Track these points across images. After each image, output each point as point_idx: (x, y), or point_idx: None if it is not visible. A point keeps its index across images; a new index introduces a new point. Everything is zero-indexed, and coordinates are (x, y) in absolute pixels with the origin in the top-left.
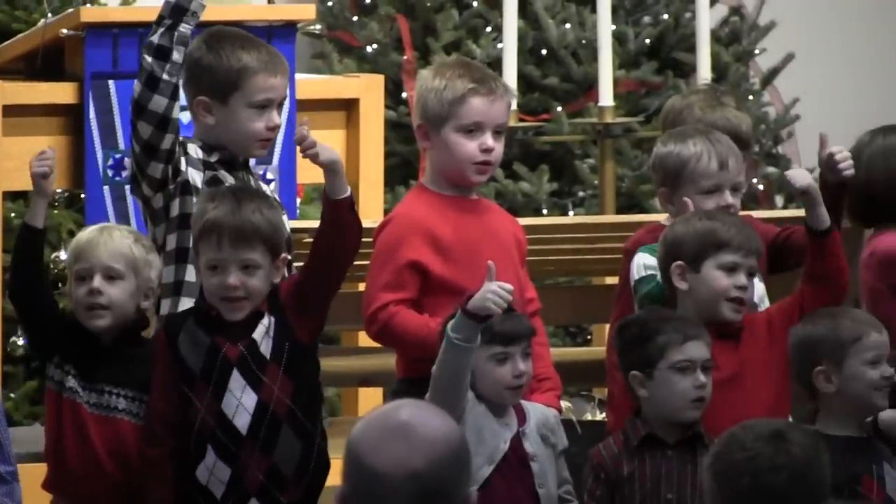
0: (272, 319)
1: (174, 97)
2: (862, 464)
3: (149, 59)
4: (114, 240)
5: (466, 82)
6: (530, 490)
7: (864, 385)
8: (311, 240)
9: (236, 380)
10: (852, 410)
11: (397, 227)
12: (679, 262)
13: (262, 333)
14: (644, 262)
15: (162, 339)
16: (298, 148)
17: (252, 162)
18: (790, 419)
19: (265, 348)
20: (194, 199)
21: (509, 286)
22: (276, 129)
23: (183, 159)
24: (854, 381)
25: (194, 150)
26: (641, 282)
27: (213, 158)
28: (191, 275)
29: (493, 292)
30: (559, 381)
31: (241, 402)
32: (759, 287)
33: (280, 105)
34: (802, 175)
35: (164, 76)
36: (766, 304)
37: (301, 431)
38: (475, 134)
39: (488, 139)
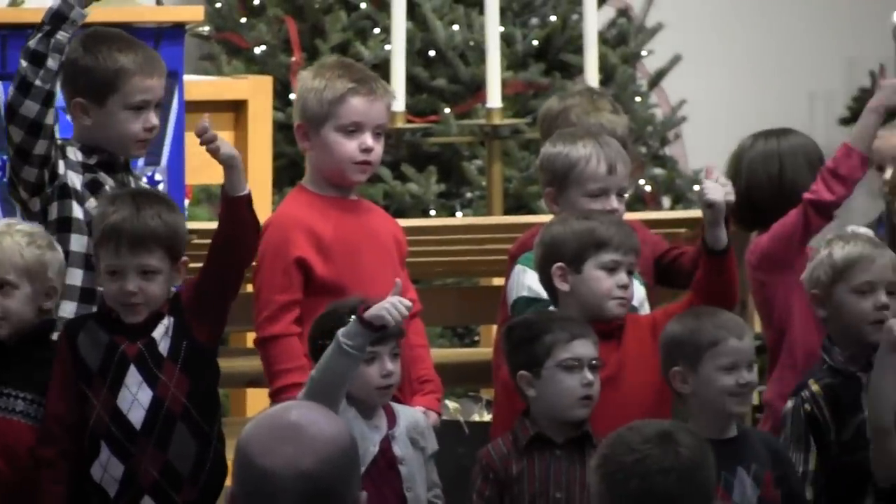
0: (172, 320)
1: (47, 103)
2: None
3: (24, 63)
4: (3, 249)
5: (346, 82)
6: (398, 494)
7: (716, 390)
8: (199, 241)
9: (133, 375)
10: (707, 413)
11: (280, 226)
12: (560, 264)
13: (162, 333)
14: (528, 284)
15: (62, 340)
16: (199, 140)
17: (141, 163)
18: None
19: (163, 347)
20: (74, 203)
21: (408, 302)
22: (153, 129)
23: (61, 162)
24: (707, 386)
25: (73, 153)
26: (518, 303)
27: (93, 161)
28: (73, 278)
29: (393, 304)
30: (440, 384)
31: (136, 397)
32: (639, 290)
33: (158, 106)
34: (716, 190)
35: (37, 82)
36: (647, 308)
37: (196, 431)
38: (355, 134)
39: (368, 139)
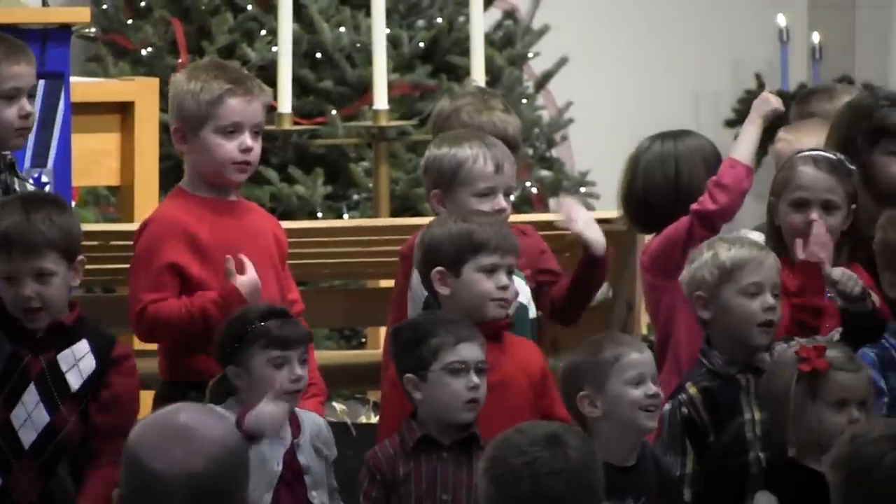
0: (89, 354)
1: None
2: (611, 500)
3: None
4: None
5: (223, 83)
6: (303, 502)
7: (627, 405)
8: (86, 242)
9: (31, 394)
10: (620, 433)
11: (155, 229)
12: (439, 268)
13: (71, 362)
14: None
15: None
16: None
17: (27, 164)
18: None
19: (72, 379)
20: None
21: (285, 407)
22: (29, 117)
23: None
24: (617, 402)
25: None
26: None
27: None
28: None
29: (272, 415)
30: (324, 387)
31: (31, 416)
32: (524, 289)
33: (31, 95)
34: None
35: None
36: (533, 307)
37: (83, 471)
38: (234, 134)
39: (247, 139)
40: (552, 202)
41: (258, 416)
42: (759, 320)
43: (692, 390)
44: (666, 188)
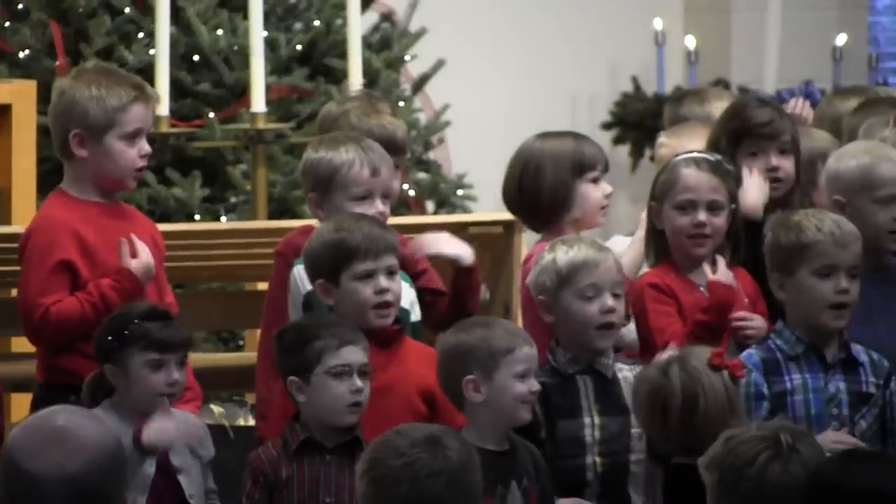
0: None
1: None
2: (490, 482)
3: None
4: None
5: (128, 90)
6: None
7: (510, 397)
8: None
9: None
10: (497, 422)
11: (45, 229)
12: (320, 281)
13: None
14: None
15: None
16: None
17: None
18: None
19: None
20: None
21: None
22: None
23: None
24: (502, 393)
25: None
26: (312, 296)
27: None
28: None
29: (164, 430)
30: (199, 391)
31: None
32: (408, 292)
33: None
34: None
35: None
36: (417, 309)
37: None
38: (135, 140)
39: (146, 144)
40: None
41: (154, 430)
42: (598, 323)
43: None
44: (550, 188)
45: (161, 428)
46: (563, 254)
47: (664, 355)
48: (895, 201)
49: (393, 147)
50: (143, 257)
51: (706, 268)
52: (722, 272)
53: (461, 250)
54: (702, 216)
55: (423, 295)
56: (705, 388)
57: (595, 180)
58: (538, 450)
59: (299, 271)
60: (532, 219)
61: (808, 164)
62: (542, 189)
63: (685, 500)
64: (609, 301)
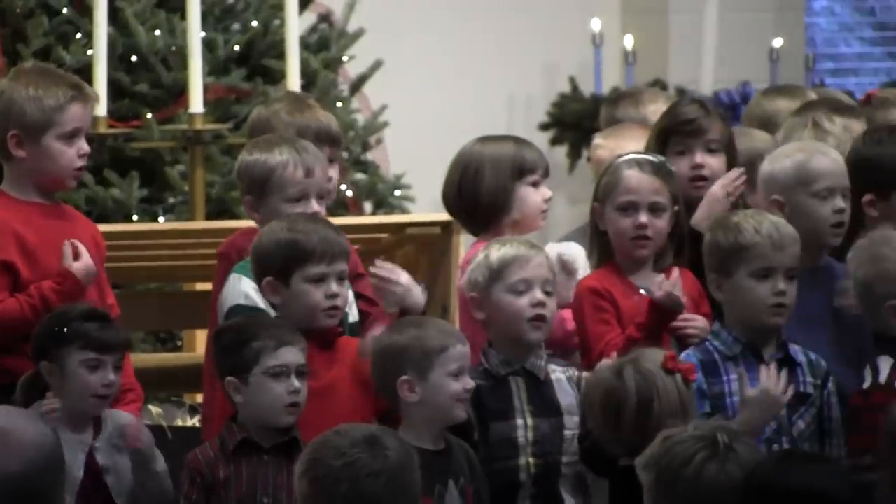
0: None
1: None
2: (428, 482)
3: None
4: None
5: (66, 90)
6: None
7: (446, 396)
8: None
9: None
10: (432, 421)
11: None
12: (269, 279)
13: None
14: (245, 292)
15: None
16: None
17: None
18: None
19: None
20: None
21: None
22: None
23: None
24: (437, 392)
25: None
26: (234, 311)
27: None
28: None
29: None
30: (141, 393)
31: None
32: (349, 294)
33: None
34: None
35: None
36: (355, 310)
37: None
38: (73, 140)
39: (84, 144)
40: (372, 268)
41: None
42: (529, 315)
43: None
44: (488, 191)
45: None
46: (496, 251)
47: (607, 363)
48: (833, 194)
49: (330, 138)
50: (85, 260)
51: (657, 280)
52: (666, 293)
53: (418, 301)
54: (643, 218)
55: (357, 300)
56: (660, 391)
57: (535, 184)
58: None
59: (234, 280)
60: (471, 222)
61: (746, 165)
62: (482, 192)
63: (631, 502)
64: (539, 295)
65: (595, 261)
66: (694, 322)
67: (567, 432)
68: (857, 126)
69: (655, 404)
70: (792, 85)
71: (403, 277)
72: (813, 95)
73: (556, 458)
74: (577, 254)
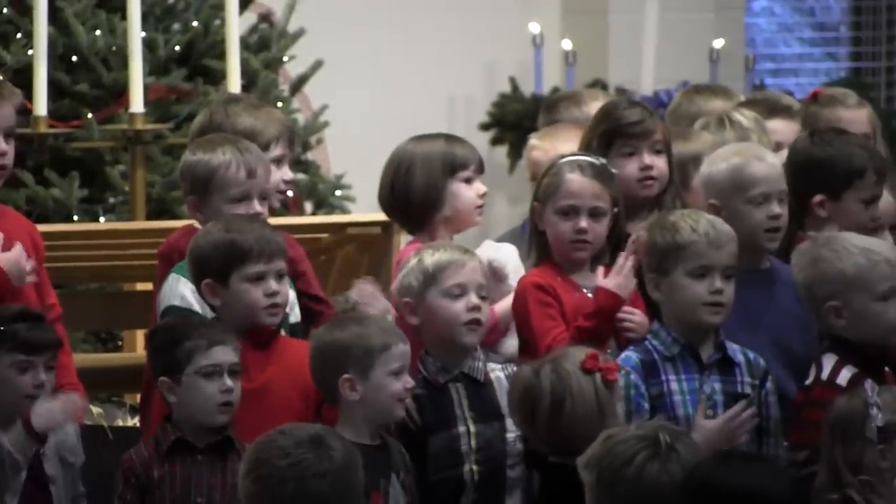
0: None
1: None
2: (372, 477)
3: None
4: None
5: None
6: None
7: (387, 395)
8: None
9: None
10: (372, 419)
11: None
12: (207, 281)
13: None
14: (181, 293)
15: None
16: None
17: None
18: None
19: None
20: None
21: (78, 401)
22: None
23: None
24: (378, 391)
25: None
26: (170, 312)
27: None
28: None
29: (62, 410)
30: (84, 393)
31: None
32: (291, 294)
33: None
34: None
35: None
36: (297, 310)
37: None
38: None
39: (2, 143)
40: (353, 290)
41: (43, 414)
42: (464, 319)
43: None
44: (420, 189)
45: (49, 409)
46: (429, 256)
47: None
48: (768, 200)
49: (287, 130)
50: (15, 253)
51: (599, 271)
52: (611, 279)
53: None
54: (584, 223)
55: (301, 298)
56: (573, 391)
57: (468, 180)
58: (418, 455)
59: (172, 280)
60: (406, 220)
61: (682, 166)
62: (414, 189)
63: (560, 499)
64: (475, 299)
65: (534, 260)
66: (632, 316)
67: (510, 435)
68: (790, 127)
69: (568, 403)
70: (716, 84)
71: (381, 304)
72: (741, 95)
73: (500, 463)
74: (507, 258)
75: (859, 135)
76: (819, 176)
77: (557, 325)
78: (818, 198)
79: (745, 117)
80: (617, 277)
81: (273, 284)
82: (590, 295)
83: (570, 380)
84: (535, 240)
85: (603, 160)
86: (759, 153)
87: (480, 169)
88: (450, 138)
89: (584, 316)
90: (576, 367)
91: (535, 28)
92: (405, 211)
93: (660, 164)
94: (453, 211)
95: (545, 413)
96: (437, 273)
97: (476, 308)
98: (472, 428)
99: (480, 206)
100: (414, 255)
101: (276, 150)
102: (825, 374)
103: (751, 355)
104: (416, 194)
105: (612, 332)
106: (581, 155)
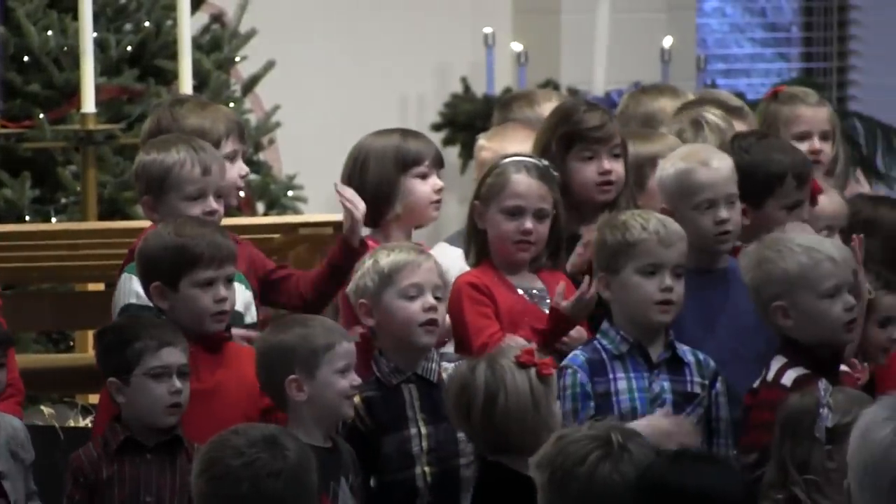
0: None
1: None
2: (322, 479)
3: None
4: None
5: None
6: None
7: (334, 393)
8: None
9: None
10: (321, 419)
11: None
12: (156, 283)
13: None
14: (136, 290)
15: None
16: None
17: None
18: None
19: None
20: None
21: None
22: None
23: None
24: (325, 390)
25: None
26: (128, 310)
27: None
28: None
29: None
30: (22, 388)
31: None
32: (244, 294)
33: None
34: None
35: None
36: (253, 311)
37: None
38: None
39: None
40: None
41: None
42: (421, 320)
43: (357, 399)
44: (379, 185)
45: None
46: (385, 256)
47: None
48: (714, 205)
49: (238, 127)
50: None
51: (560, 287)
52: (570, 304)
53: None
54: (529, 224)
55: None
56: (507, 387)
57: (424, 176)
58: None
59: (125, 279)
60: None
61: (639, 167)
62: (367, 184)
63: (495, 498)
64: (431, 299)
65: (473, 259)
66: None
67: (462, 435)
68: (742, 128)
69: (501, 399)
70: (663, 84)
71: (361, 206)
72: (691, 95)
73: (454, 463)
74: (452, 263)
75: (781, 139)
76: (740, 184)
77: (492, 323)
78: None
79: (717, 117)
80: (577, 304)
81: (222, 290)
82: (526, 297)
83: (505, 375)
84: (473, 239)
85: (546, 162)
86: (705, 158)
87: (438, 163)
88: (406, 133)
89: (534, 332)
90: (511, 362)
91: (486, 28)
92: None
93: (618, 168)
94: (406, 207)
95: (479, 409)
96: (393, 274)
97: (432, 308)
98: (424, 430)
99: (437, 202)
100: (369, 257)
101: (228, 147)
102: (770, 376)
103: (701, 356)
104: (369, 188)
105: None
106: (525, 156)
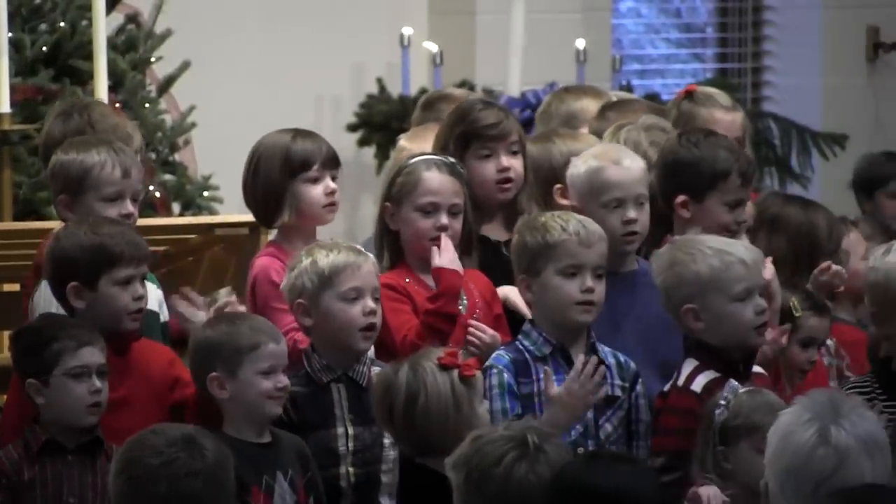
0: None
1: None
2: (254, 473)
3: None
4: None
5: None
6: None
7: (256, 393)
8: None
9: None
10: (248, 416)
11: None
12: (73, 284)
13: None
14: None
15: None
16: None
17: None
18: None
19: None
20: None
21: None
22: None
23: None
24: (247, 389)
25: None
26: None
27: None
28: None
29: None
30: None
31: None
32: (156, 293)
33: None
34: None
35: None
36: (165, 310)
37: None
38: None
39: None
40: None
41: None
42: (361, 324)
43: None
44: (252, 186)
45: None
46: (324, 257)
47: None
48: (623, 205)
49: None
50: None
51: (433, 252)
52: (446, 258)
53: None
54: (444, 220)
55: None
56: (428, 388)
57: (315, 180)
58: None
59: (45, 290)
60: (258, 217)
61: (564, 166)
62: (258, 186)
63: (419, 501)
64: (371, 303)
65: (387, 262)
66: (481, 333)
67: (387, 440)
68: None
69: (421, 399)
70: (587, 85)
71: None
72: (612, 95)
73: (376, 468)
74: None
75: (728, 137)
76: (683, 177)
77: (411, 318)
78: (681, 198)
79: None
80: (447, 254)
81: (139, 288)
82: None
83: (426, 376)
84: (386, 241)
85: (452, 159)
86: (617, 157)
87: (330, 164)
88: (297, 135)
89: (428, 299)
90: (433, 363)
91: (402, 29)
92: (253, 208)
93: (517, 165)
94: (298, 212)
95: (400, 410)
96: (333, 276)
97: (372, 312)
98: (351, 430)
99: (330, 204)
100: (305, 255)
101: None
102: (681, 381)
103: (622, 358)
104: (259, 193)
105: (457, 304)
106: (432, 154)
